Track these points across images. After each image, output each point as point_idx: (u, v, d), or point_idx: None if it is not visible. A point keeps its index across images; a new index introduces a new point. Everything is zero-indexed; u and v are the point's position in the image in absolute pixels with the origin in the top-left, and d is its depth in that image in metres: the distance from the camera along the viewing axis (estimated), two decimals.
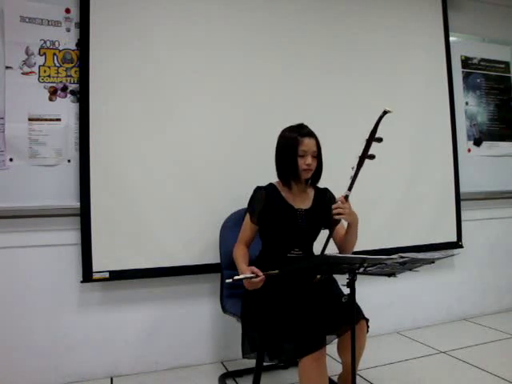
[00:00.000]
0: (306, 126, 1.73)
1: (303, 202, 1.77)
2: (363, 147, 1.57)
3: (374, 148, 1.57)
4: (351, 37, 2.62)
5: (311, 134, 1.70)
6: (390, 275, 1.51)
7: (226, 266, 2.00)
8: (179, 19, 2.25)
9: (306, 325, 1.48)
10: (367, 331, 1.63)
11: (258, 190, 1.77)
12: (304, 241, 1.75)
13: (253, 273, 1.54)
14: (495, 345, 2.48)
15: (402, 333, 2.73)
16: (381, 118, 1.54)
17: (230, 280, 1.50)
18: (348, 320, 1.44)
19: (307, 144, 1.67)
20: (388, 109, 1.51)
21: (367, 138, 1.56)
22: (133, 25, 2.16)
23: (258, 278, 1.52)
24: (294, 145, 1.67)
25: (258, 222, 1.74)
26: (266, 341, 1.57)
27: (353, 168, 1.57)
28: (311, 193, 1.82)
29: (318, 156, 1.72)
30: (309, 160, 1.67)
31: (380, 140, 1.55)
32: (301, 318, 1.50)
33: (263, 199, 1.73)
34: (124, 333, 2.20)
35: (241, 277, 1.53)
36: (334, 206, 1.61)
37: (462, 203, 2.91)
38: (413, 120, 2.75)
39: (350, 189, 1.60)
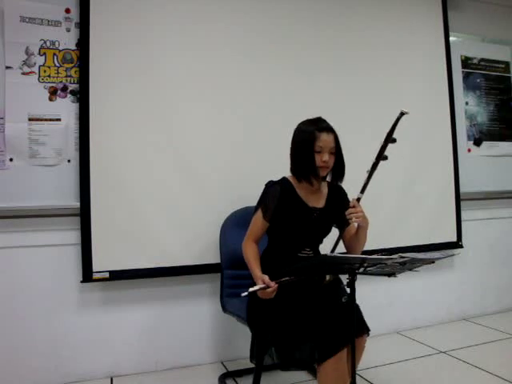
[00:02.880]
0: (325, 120, 1.63)
1: (317, 200, 1.69)
2: (379, 149, 1.53)
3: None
4: (351, 37, 2.62)
5: (329, 129, 1.60)
6: (390, 275, 1.50)
7: (226, 265, 2.00)
8: (179, 19, 2.25)
9: (325, 328, 1.44)
10: (368, 334, 1.59)
11: (272, 185, 1.67)
12: (316, 241, 1.71)
13: (264, 282, 1.48)
14: (495, 345, 2.48)
15: (402, 333, 2.73)
16: (398, 119, 1.51)
17: (246, 294, 1.43)
18: (349, 335, 1.41)
19: (325, 140, 1.57)
20: (405, 110, 1.49)
21: (383, 140, 1.52)
22: (133, 25, 2.16)
23: (271, 289, 1.46)
24: (311, 140, 1.57)
25: (271, 219, 1.66)
26: (280, 345, 1.52)
27: (367, 171, 1.55)
28: (325, 190, 1.73)
29: (337, 152, 1.62)
30: (325, 157, 1.58)
31: (394, 141, 1.52)
32: (319, 321, 1.46)
33: (277, 196, 1.63)
34: (124, 333, 2.20)
35: (255, 288, 1.46)
36: (347, 212, 1.56)
37: (462, 203, 2.91)
38: (413, 120, 2.72)
39: (362, 191, 1.57)
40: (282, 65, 2.44)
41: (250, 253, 1.64)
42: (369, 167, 1.55)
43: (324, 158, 1.58)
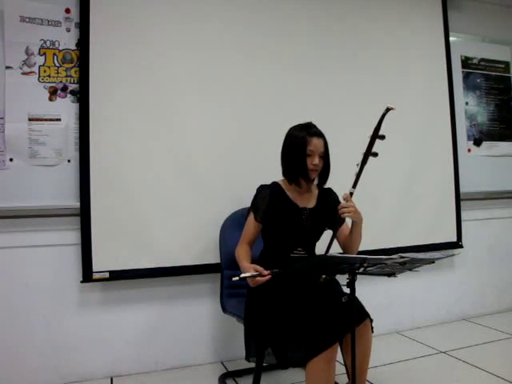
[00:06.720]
0: (315, 126, 1.71)
1: (308, 201, 1.76)
2: (367, 144, 1.57)
3: (376, 147, 1.57)
4: (351, 37, 2.63)
5: (320, 134, 1.68)
6: (389, 275, 1.50)
7: (226, 266, 2.00)
8: (179, 19, 2.25)
9: (316, 324, 1.46)
10: (372, 331, 1.61)
11: (262, 188, 1.75)
12: (308, 240, 1.74)
13: (256, 271, 1.52)
14: (495, 345, 2.48)
15: (402, 333, 2.73)
16: (384, 115, 1.54)
17: (237, 278, 1.49)
18: (350, 321, 1.42)
19: (315, 144, 1.65)
20: (391, 106, 1.52)
21: (371, 134, 1.56)
22: (133, 25, 2.16)
23: (264, 278, 1.50)
24: (303, 144, 1.65)
25: (262, 220, 1.73)
26: (275, 343, 1.54)
27: (357, 165, 1.58)
28: (315, 192, 1.80)
29: (325, 157, 1.71)
30: (316, 160, 1.66)
31: (383, 137, 1.55)
32: (311, 318, 1.48)
33: (267, 198, 1.71)
34: (124, 333, 2.20)
35: (247, 275, 1.52)
36: (339, 206, 1.60)
37: (462, 203, 2.91)
38: (413, 120, 2.75)
39: (354, 186, 1.60)
40: (282, 65, 2.44)
41: (241, 252, 1.70)
42: (359, 161, 1.58)
43: (315, 162, 1.66)
